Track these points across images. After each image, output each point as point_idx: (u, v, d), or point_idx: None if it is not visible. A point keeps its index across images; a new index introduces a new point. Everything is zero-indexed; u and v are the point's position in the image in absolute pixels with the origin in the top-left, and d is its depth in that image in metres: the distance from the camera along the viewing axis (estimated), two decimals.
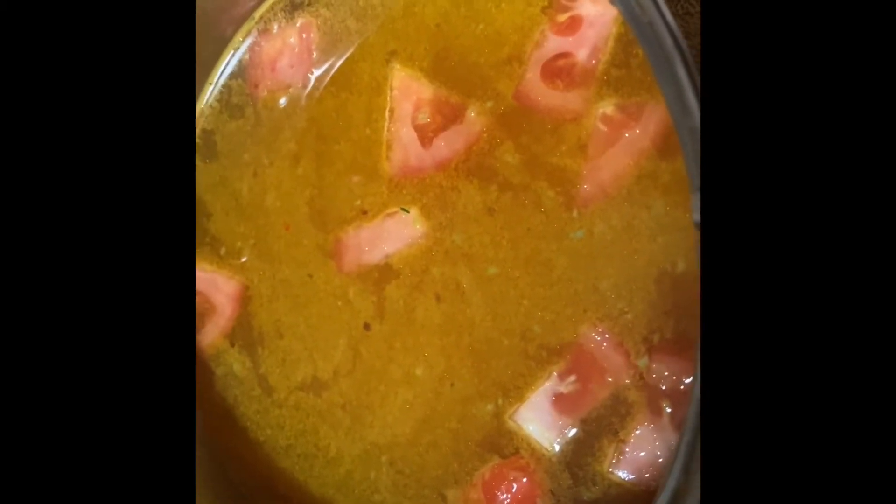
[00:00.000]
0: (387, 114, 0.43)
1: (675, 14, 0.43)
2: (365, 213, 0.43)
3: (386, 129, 0.43)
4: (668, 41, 0.24)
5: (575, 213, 0.38)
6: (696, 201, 0.25)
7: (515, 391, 0.39)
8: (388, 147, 0.43)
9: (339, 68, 0.45)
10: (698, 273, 0.25)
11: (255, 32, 0.47)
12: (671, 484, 0.27)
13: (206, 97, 0.48)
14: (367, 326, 0.43)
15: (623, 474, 0.37)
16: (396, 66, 0.43)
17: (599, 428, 0.38)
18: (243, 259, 0.46)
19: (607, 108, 0.38)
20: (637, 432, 0.37)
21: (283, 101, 0.46)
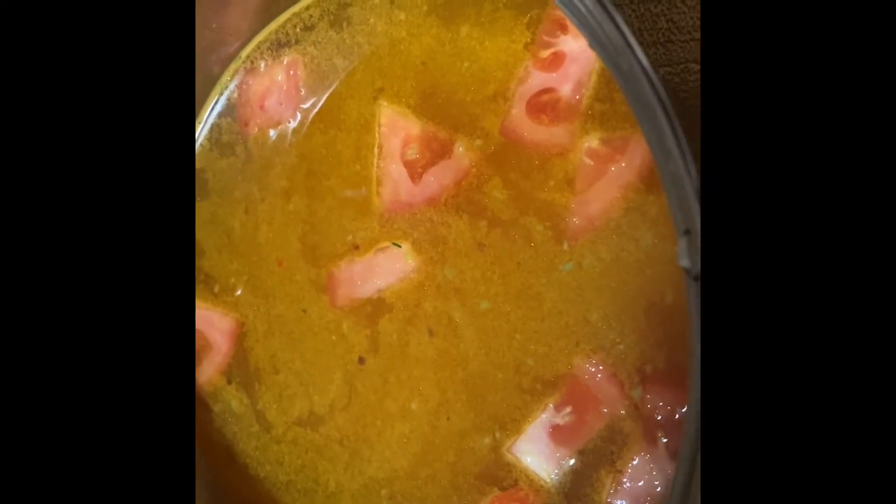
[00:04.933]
0: (376, 150, 0.43)
1: (655, 42, 0.44)
2: (357, 247, 0.44)
3: (375, 164, 0.43)
4: (647, 88, 0.25)
5: (565, 246, 0.39)
6: (682, 245, 0.26)
7: (512, 424, 0.40)
8: (379, 182, 0.43)
9: (327, 105, 0.45)
10: (687, 308, 0.26)
11: (242, 71, 0.47)
12: None
13: (196, 136, 0.48)
14: (361, 360, 0.43)
15: None
16: (384, 102, 0.43)
17: (596, 459, 0.38)
18: (237, 295, 0.47)
19: (593, 142, 0.38)
20: (634, 462, 0.37)
21: (272, 137, 0.46)
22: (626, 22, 0.39)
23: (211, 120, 0.48)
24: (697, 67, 0.43)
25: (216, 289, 0.47)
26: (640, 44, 0.44)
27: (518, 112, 0.40)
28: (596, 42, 0.27)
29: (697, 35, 0.43)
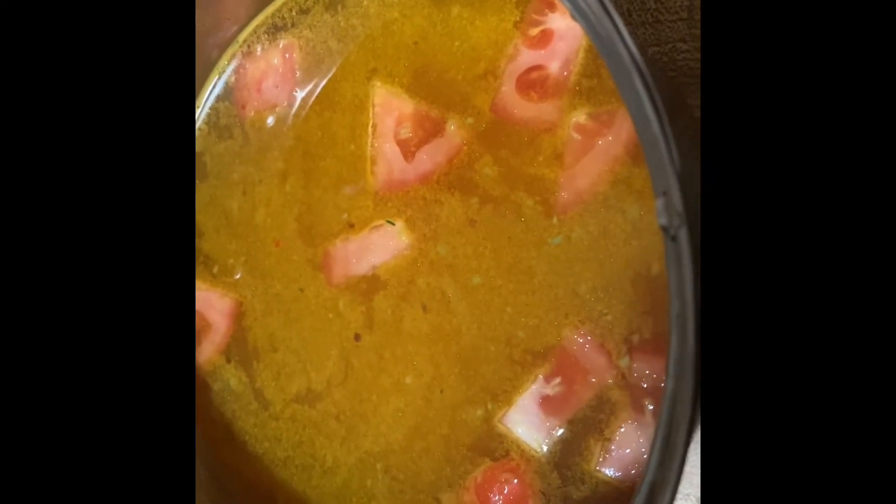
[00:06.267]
0: (370, 129, 0.44)
1: (644, 22, 0.45)
2: (352, 226, 0.44)
3: (369, 144, 0.44)
4: (625, 55, 0.25)
5: (555, 220, 0.39)
6: (660, 206, 0.26)
7: (503, 395, 0.40)
8: (373, 162, 0.44)
9: (322, 87, 0.46)
10: (665, 267, 0.26)
11: (239, 55, 0.48)
12: (648, 478, 0.28)
13: (195, 120, 0.49)
14: (357, 337, 0.44)
15: (610, 472, 0.38)
16: (377, 83, 0.44)
17: (585, 428, 0.39)
18: (236, 276, 0.47)
19: (580, 117, 0.39)
20: (621, 430, 0.38)
21: (269, 120, 0.47)
22: (615, 3, 0.39)
23: (209, 103, 0.49)
24: (685, 47, 0.44)
25: (215, 269, 0.48)
26: (629, 24, 0.45)
27: (508, 89, 0.40)
28: (578, 12, 0.27)
29: (685, 15, 0.44)
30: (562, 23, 0.39)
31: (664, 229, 0.26)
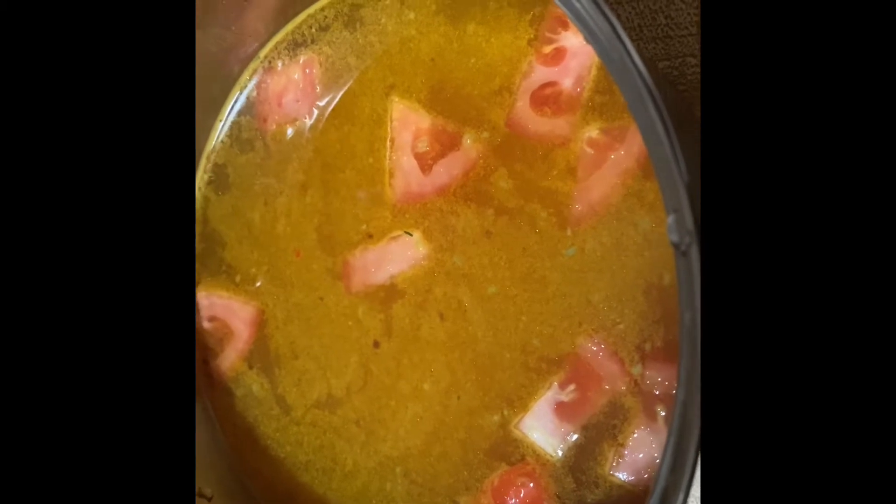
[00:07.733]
0: (388, 143, 0.45)
1: (654, 38, 0.46)
2: (370, 236, 0.46)
3: (388, 157, 0.45)
4: (637, 79, 0.27)
5: (568, 232, 0.41)
6: (671, 222, 0.27)
7: (519, 401, 0.41)
8: (391, 174, 0.45)
9: (341, 102, 0.47)
10: (676, 280, 0.28)
11: (261, 71, 0.50)
12: (661, 483, 0.29)
13: (217, 133, 0.50)
14: (376, 344, 0.45)
15: (623, 476, 0.39)
16: (395, 98, 0.45)
17: (599, 433, 0.40)
18: (258, 285, 0.49)
19: (593, 132, 0.40)
20: (634, 436, 0.39)
21: (290, 133, 0.48)
22: (626, 19, 0.41)
23: (231, 117, 0.50)
24: (694, 61, 0.45)
25: (237, 278, 0.49)
26: (640, 39, 0.46)
27: (522, 105, 0.42)
28: (591, 36, 0.29)
29: (694, 31, 0.45)
30: (575, 41, 0.40)
31: (675, 245, 0.27)
